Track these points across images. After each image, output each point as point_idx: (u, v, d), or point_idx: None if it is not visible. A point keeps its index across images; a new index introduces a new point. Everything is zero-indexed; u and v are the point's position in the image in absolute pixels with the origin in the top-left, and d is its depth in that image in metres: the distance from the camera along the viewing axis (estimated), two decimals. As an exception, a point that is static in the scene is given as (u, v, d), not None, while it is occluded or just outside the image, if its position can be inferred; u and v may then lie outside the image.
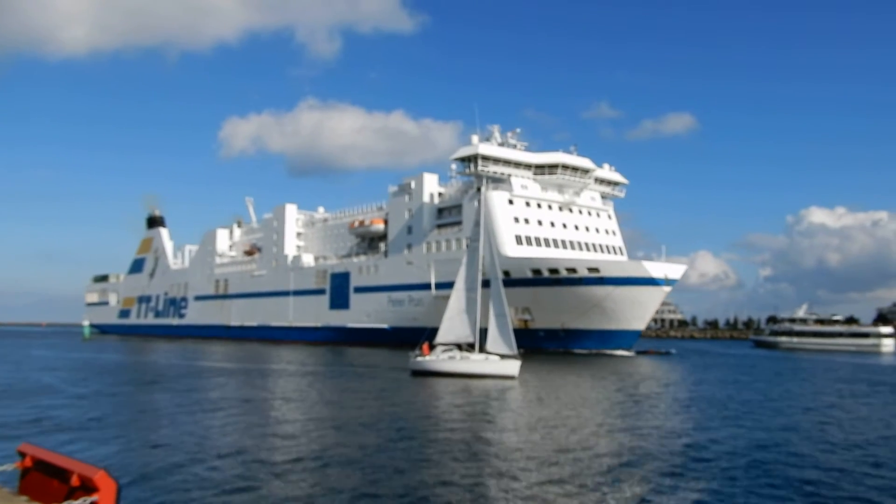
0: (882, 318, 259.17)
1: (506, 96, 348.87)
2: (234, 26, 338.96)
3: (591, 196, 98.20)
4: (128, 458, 20.06)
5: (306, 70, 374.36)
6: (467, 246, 53.47)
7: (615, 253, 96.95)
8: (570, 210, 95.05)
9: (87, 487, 7.76)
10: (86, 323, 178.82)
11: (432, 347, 49.22)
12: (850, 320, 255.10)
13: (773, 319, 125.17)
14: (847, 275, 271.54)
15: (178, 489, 16.40)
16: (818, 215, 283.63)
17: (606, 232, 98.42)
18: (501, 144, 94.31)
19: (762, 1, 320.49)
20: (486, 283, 48.46)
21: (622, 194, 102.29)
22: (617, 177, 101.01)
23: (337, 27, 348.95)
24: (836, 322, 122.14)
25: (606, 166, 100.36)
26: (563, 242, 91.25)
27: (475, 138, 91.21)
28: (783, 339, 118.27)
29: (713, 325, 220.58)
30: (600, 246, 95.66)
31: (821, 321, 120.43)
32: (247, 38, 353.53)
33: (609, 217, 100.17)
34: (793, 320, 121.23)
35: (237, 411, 30.46)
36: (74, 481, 7.87)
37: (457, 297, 49.44)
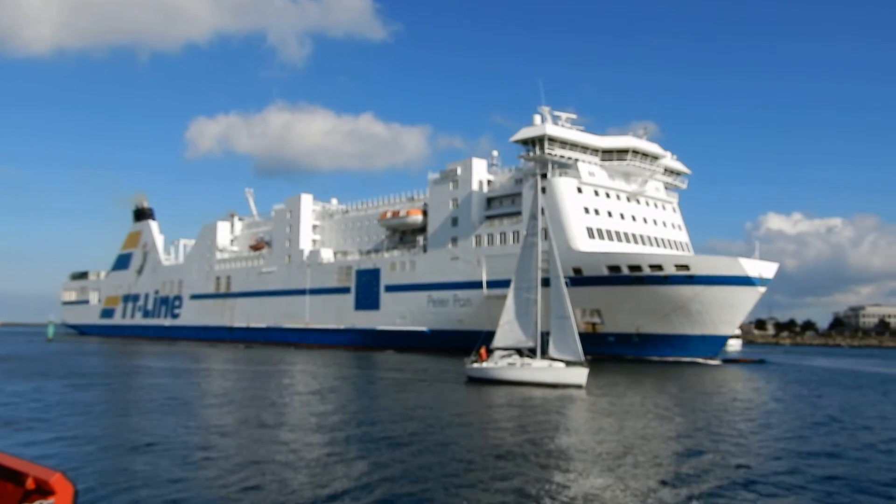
0: (838, 322, 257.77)
1: (473, 102, 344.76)
2: (205, 29, 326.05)
3: (655, 186, 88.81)
4: (92, 461, 19.02)
5: (276, 72, 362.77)
6: (524, 240, 47.96)
7: (682, 249, 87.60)
8: (637, 201, 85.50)
9: (43, 490, 7.04)
10: (50, 322, 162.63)
11: (489, 352, 45.43)
12: (808, 325, 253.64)
13: None
14: (804, 280, 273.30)
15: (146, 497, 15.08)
16: (776, 221, 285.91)
17: (673, 226, 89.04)
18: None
19: (733, 23, 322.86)
20: (547, 282, 44.00)
21: (685, 185, 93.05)
22: (681, 166, 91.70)
23: (308, 32, 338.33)
24: None
25: (669, 154, 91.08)
26: (634, 237, 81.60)
27: (538, 118, 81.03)
28: None
29: None
30: (667, 241, 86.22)
31: None
32: (217, 41, 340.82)
33: (674, 210, 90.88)
34: None
35: (256, 415, 28.90)
36: (30, 484, 7.06)
37: (512, 297, 45.75)
